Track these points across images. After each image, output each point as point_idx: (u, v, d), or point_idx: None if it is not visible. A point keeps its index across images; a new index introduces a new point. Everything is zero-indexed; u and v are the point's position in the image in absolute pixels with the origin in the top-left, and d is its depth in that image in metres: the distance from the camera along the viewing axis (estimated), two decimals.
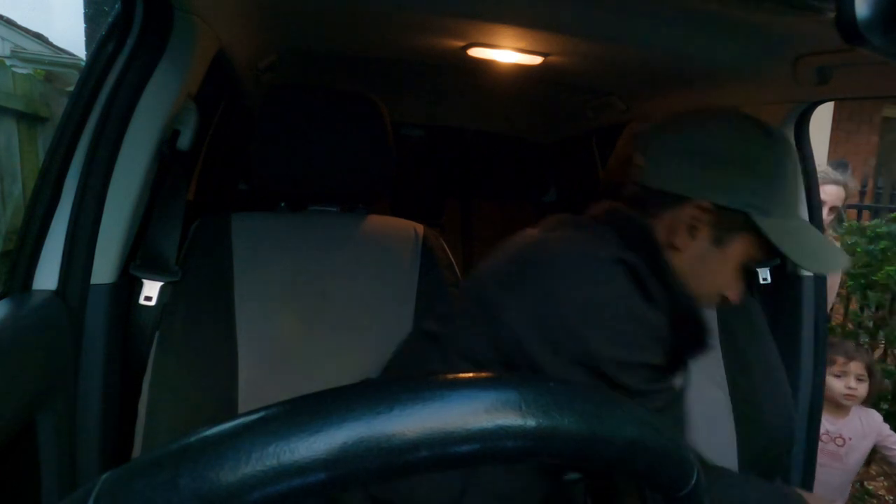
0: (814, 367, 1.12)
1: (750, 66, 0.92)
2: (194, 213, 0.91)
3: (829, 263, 0.66)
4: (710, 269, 0.64)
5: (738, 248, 0.63)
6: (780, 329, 1.12)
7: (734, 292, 0.67)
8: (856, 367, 1.58)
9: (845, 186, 1.74)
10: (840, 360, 1.59)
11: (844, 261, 0.67)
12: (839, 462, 1.59)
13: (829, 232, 1.74)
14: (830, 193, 1.73)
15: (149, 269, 0.78)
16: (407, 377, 0.22)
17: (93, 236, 0.68)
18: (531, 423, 0.20)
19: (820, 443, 1.49)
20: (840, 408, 1.60)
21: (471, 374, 0.21)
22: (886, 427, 1.64)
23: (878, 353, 2.57)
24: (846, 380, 1.57)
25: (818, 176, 1.68)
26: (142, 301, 0.78)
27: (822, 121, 3.46)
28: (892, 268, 2.37)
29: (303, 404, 0.20)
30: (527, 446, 0.20)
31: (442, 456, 0.19)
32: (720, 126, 0.65)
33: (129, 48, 0.67)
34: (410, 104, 1.78)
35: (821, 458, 1.48)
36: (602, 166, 1.61)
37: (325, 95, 0.92)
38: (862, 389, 1.58)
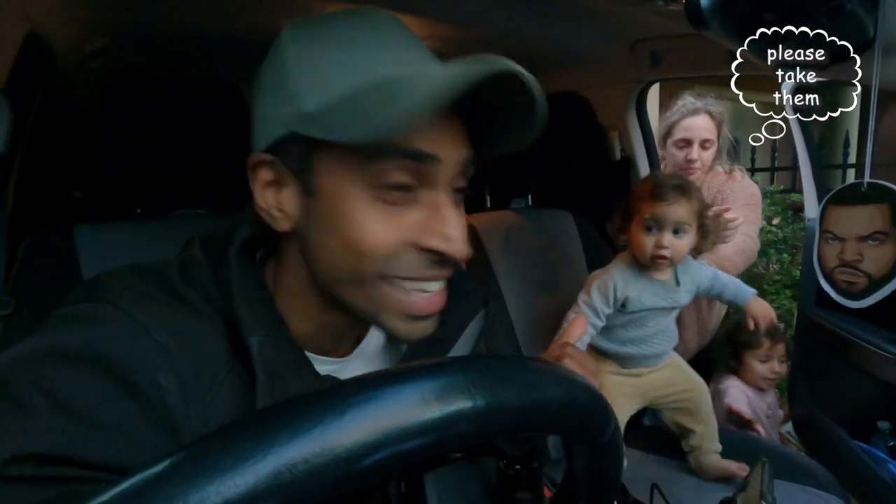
0: None
1: (595, 50, 1.03)
2: (19, 230, 0.76)
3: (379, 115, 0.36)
4: (328, 232, 0.41)
5: (330, 176, 0.40)
6: None
7: (394, 249, 0.39)
8: (780, 349, 1.52)
9: (710, 114, 1.36)
10: (766, 343, 1.50)
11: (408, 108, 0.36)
12: (774, 429, 1.60)
13: (719, 167, 1.42)
14: (695, 127, 1.36)
15: None
16: (356, 378, 0.20)
17: None
18: (481, 402, 0.20)
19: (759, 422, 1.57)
20: (763, 388, 1.55)
21: (416, 364, 0.21)
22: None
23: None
24: (771, 364, 1.51)
25: (681, 110, 1.38)
26: None
27: (651, 101, 3.97)
28: None
29: (243, 427, 0.18)
30: (480, 426, 0.20)
31: (398, 453, 0.18)
32: None
33: None
34: None
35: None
36: None
37: (177, 83, 0.82)
38: (783, 369, 1.52)
